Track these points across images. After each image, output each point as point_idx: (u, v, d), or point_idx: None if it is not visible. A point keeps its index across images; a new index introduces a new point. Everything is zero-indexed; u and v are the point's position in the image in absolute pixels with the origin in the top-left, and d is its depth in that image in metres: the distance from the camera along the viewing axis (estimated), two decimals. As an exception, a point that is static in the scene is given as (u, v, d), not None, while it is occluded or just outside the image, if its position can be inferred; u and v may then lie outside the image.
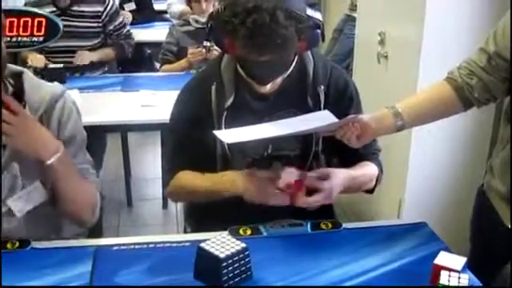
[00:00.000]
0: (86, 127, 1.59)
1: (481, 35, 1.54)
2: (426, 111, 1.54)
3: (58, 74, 2.92)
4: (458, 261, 1.29)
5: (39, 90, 1.46)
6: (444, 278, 1.25)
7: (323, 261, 1.41)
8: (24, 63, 3.07)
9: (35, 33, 2.75)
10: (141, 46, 4.29)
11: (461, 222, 1.90)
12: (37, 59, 3.13)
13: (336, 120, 1.45)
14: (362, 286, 1.33)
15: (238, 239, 1.33)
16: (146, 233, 3.15)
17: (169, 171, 1.70)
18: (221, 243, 1.31)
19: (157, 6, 5.17)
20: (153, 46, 4.43)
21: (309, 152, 1.65)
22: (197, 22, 3.27)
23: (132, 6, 4.84)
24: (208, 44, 3.06)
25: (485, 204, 1.61)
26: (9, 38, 2.62)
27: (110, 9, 3.36)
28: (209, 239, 1.32)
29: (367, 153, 1.66)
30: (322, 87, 1.61)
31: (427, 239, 1.52)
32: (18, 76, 1.45)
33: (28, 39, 2.76)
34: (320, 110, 1.58)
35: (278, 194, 1.48)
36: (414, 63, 2.33)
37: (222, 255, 1.27)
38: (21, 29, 2.70)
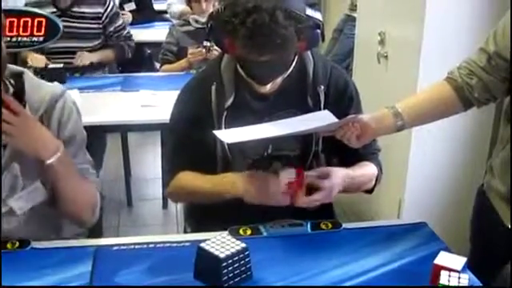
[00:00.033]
0: (85, 127, 1.59)
1: (481, 35, 1.54)
2: (426, 111, 1.54)
3: (58, 74, 2.92)
4: (458, 261, 1.29)
5: (39, 90, 1.46)
6: (444, 278, 1.25)
7: (323, 261, 1.41)
8: (24, 63, 3.07)
9: (35, 33, 2.75)
10: (141, 46, 4.29)
11: (461, 222, 1.90)
12: (37, 59, 3.13)
13: (336, 120, 1.45)
14: (362, 286, 1.33)
15: (238, 239, 1.33)
16: (146, 233, 3.15)
17: (169, 171, 1.70)
18: (221, 243, 1.31)
19: (157, 6, 5.17)
20: (153, 46, 4.43)
21: (309, 152, 1.65)
22: (197, 22, 3.27)
23: (132, 6, 4.84)
24: (208, 44, 3.06)
25: (485, 204, 1.61)
26: (9, 38, 2.62)
27: (111, 10, 3.36)
28: (209, 239, 1.32)
29: (367, 153, 1.66)
30: (322, 87, 1.61)
31: (427, 239, 1.52)
32: (19, 76, 1.46)
33: (28, 39, 2.76)
34: (320, 110, 1.58)
35: (278, 194, 1.48)
36: (413, 63, 2.34)
37: (222, 255, 1.27)
38: (21, 29, 2.70)
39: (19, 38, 2.73)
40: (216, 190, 1.57)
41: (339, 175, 1.52)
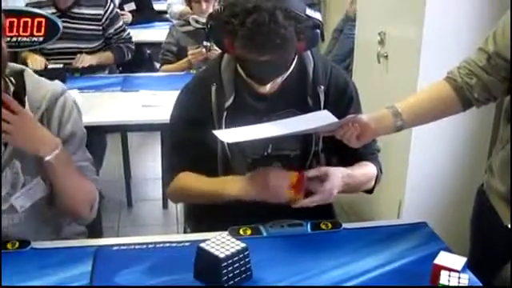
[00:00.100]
0: (85, 127, 1.60)
1: (480, 35, 1.54)
2: (426, 111, 1.54)
3: (58, 75, 2.91)
4: (458, 261, 1.30)
5: (40, 88, 1.48)
6: (444, 278, 1.25)
7: (323, 261, 1.41)
8: (24, 64, 3.07)
9: (35, 33, 2.76)
10: (141, 46, 4.29)
11: (461, 222, 1.90)
12: (36, 61, 3.13)
13: (335, 120, 1.45)
14: (362, 286, 1.33)
15: (238, 239, 1.33)
16: (146, 233, 3.15)
17: (169, 172, 1.70)
18: (221, 243, 1.31)
19: (157, 6, 5.17)
20: (153, 47, 4.44)
21: (309, 152, 1.65)
22: (197, 22, 3.27)
23: (132, 6, 4.85)
24: (208, 44, 3.06)
25: (485, 204, 1.61)
26: (9, 38, 2.63)
27: (110, 12, 3.36)
28: (209, 239, 1.32)
29: (367, 153, 1.66)
30: (322, 87, 1.61)
31: (427, 239, 1.52)
32: (20, 74, 1.48)
33: (28, 39, 2.77)
34: (320, 109, 1.58)
35: (278, 189, 1.47)
36: (414, 63, 2.34)
37: (221, 255, 1.27)
38: (21, 29, 2.71)
39: (19, 38, 2.74)
40: (216, 192, 1.57)
41: (338, 175, 1.52)
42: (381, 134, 1.57)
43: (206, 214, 1.69)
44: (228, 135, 1.50)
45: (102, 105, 2.75)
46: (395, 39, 2.59)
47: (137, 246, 1.48)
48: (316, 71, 1.61)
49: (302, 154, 1.66)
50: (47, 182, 1.48)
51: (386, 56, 2.64)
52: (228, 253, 1.28)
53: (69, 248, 1.48)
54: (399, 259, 1.42)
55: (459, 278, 1.25)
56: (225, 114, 1.59)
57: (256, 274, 1.33)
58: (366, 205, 2.86)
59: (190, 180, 1.64)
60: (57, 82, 1.54)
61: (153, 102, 2.72)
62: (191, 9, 3.40)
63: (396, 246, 1.48)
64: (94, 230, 1.77)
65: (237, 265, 1.29)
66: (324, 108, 1.59)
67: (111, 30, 3.39)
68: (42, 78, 1.52)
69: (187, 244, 1.48)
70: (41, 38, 2.81)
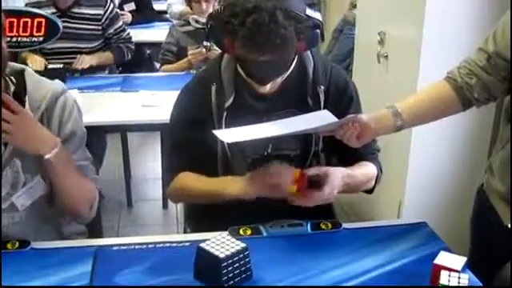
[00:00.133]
0: (86, 127, 1.61)
1: (480, 35, 1.54)
2: (425, 111, 1.54)
3: (58, 75, 2.91)
4: (457, 261, 1.29)
5: (41, 87, 1.49)
6: (444, 277, 1.25)
7: (323, 261, 1.41)
8: (24, 64, 3.07)
9: (35, 33, 2.76)
10: (141, 46, 4.29)
11: (461, 222, 1.90)
12: (36, 62, 3.13)
13: (335, 120, 1.45)
14: (362, 286, 1.33)
15: (238, 239, 1.33)
16: (146, 233, 3.15)
17: (169, 172, 1.70)
18: (221, 243, 1.31)
19: (157, 6, 5.17)
20: (153, 47, 4.44)
21: (309, 152, 1.65)
22: (197, 22, 3.27)
23: (132, 6, 4.85)
24: (208, 44, 3.06)
25: (485, 204, 1.61)
26: (9, 39, 2.63)
27: (110, 12, 3.36)
28: (209, 239, 1.32)
29: (366, 153, 1.66)
30: (322, 87, 1.61)
31: (427, 239, 1.52)
32: (20, 74, 1.48)
33: (28, 39, 2.77)
34: (320, 109, 1.58)
35: (278, 185, 1.46)
36: (414, 63, 2.34)
37: (221, 255, 1.27)
38: (20, 29, 2.71)
39: (19, 39, 2.74)
40: (216, 192, 1.57)
41: (338, 175, 1.52)
42: (381, 133, 1.57)
43: (205, 214, 1.69)
44: (228, 135, 1.50)
45: (102, 105, 2.75)
46: (395, 39, 2.59)
47: (137, 246, 1.48)
48: (316, 71, 1.61)
49: (302, 153, 1.66)
50: (47, 180, 1.49)
51: (386, 56, 2.64)
52: (228, 253, 1.28)
53: (69, 248, 1.48)
54: (399, 259, 1.42)
55: (459, 277, 1.25)
56: (225, 113, 1.59)
57: (256, 274, 1.33)
58: (366, 205, 2.86)
59: (189, 180, 1.64)
60: (57, 81, 1.55)
61: (153, 102, 2.72)
62: (191, 9, 3.40)
63: (396, 246, 1.48)
64: (94, 230, 1.77)
65: (237, 265, 1.29)
66: (324, 108, 1.59)
67: (111, 30, 3.40)
68: (43, 78, 1.53)
69: (187, 244, 1.48)
70: (41, 38, 2.81)
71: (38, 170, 1.47)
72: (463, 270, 1.28)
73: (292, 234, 1.54)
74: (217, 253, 1.28)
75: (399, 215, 2.55)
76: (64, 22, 3.02)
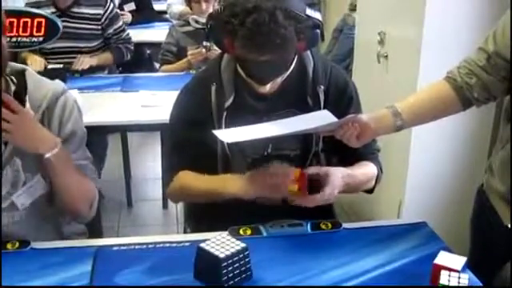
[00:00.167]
0: (86, 127, 1.61)
1: (480, 35, 1.54)
2: (425, 111, 1.54)
3: (58, 75, 2.91)
4: (457, 261, 1.29)
5: (41, 87, 1.49)
6: (444, 277, 1.25)
7: (323, 261, 1.41)
8: (24, 64, 3.07)
9: (35, 33, 2.76)
10: (140, 46, 4.29)
11: (461, 222, 1.90)
12: (36, 61, 3.13)
13: (335, 119, 1.45)
14: (362, 286, 1.33)
15: (238, 239, 1.33)
16: (146, 233, 3.16)
17: (169, 172, 1.70)
18: (221, 243, 1.31)
19: (156, 7, 5.18)
20: (152, 47, 4.44)
21: (309, 151, 1.65)
22: (196, 22, 3.27)
23: (132, 6, 4.85)
24: (208, 44, 3.06)
25: (484, 203, 1.61)
26: (8, 39, 2.62)
27: (110, 12, 3.36)
28: (209, 239, 1.32)
29: (367, 152, 1.66)
30: (322, 87, 1.61)
31: (427, 239, 1.52)
32: (21, 74, 1.49)
33: (28, 39, 2.76)
34: (320, 109, 1.58)
35: (277, 185, 1.46)
36: (413, 63, 2.34)
37: (221, 255, 1.27)
38: (20, 29, 2.70)
39: (19, 39, 2.74)
40: (215, 190, 1.57)
41: (338, 175, 1.52)
42: (381, 133, 1.57)
43: (206, 214, 1.69)
44: (228, 135, 1.50)
45: (102, 105, 2.75)
46: (395, 39, 2.59)
47: (137, 246, 1.48)
48: (316, 71, 1.61)
49: (302, 153, 1.66)
50: (47, 179, 1.50)
51: (386, 56, 2.64)
52: (228, 253, 1.28)
53: (69, 248, 1.48)
54: (399, 259, 1.42)
55: (459, 277, 1.25)
56: (225, 113, 1.59)
57: (256, 274, 1.33)
58: (366, 205, 2.86)
59: (189, 179, 1.64)
60: (58, 81, 1.56)
61: (152, 102, 2.72)
62: (191, 9, 3.40)
63: (396, 246, 1.48)
64: (94, 230, 1.77)
65: (237, 265, 1.29)
66: (324, 108, 1.59)
67: (110, 30, 3.40)
68: (43, 78, 1.54)
69: (187, 244, 1.48)
70: (41, 39, 2.81)
71: (38, 169, 1.47)
72: (463, 270, 1.28)
73: (292, 233, 1.54)
74: (217, 253, 1.28)
75: (399, 215, 2.55)
76: (64, 21, 3.02)
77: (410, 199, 2.51)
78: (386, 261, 1.41)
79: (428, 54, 2.29)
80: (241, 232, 1.53)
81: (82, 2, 3.27)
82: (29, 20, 2.73)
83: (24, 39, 2.76)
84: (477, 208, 1.68)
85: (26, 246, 1.45)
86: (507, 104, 1.53)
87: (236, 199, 1.51)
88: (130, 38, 3.53)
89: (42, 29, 2.77)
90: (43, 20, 2.77)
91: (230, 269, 1.28)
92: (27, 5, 3.24)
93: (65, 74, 3.04)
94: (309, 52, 1.61)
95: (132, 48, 3.53)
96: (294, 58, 1.54)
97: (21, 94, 1.46)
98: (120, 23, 3.45)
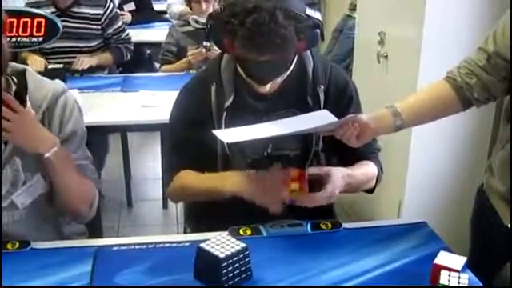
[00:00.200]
0: (86, 127, 1.61)
1: (480, 35, 1.54)
2: (425, 111, 1.54)
3: (58, 75, 2.91)
4: (457, 260, 1.29)
5: (42, 87, 1.50)
6: (444, 277, 1.25)
7: (323, 261, 1.41)
8: (24, 64, 3.07)
9: (35, 33, 2.76)
10: (140, 46, 4.29)
11: (461, 222, 1.90)
12: (36, 62, 3.13)
13: (335, 119, 1.45)
14: (362, 286, 1.32)
15: (238, 239, 1.33)
16: (146, 233, 3.16)
17: (169, 172, 1.70)
18: (221, 243, 1.31)
19: (156, 7, 5.18)
20: (152, 47, 4.44)
21: (309, 152, 1.65)
22: (196, 22, 3.27)
23: (132, 6, 4.85)
24: (208, 44, 3.06)
25: (484, 203, 1.61)
26: (8, 39, 2.62)
27: (110, 12, 3.37)
28: (209, 239, 1.32)
29: (367, 152, 1.66)
30: (322, 87, 1.61)
31: (427, 239, 1.52)
32: (22, 74, 1.49)
33: (27, 39, 2.76)
34: (320, 109, 1.58)
35: (277, 195, 1.47)
36: (413, 63, 2.34)
37: (221, 255, 1.27)
38: (20, 29, 2.70)
39: (19, 39, 2.74)
40: (215, 188, 1.57)
41: (339, 175, 1.52)
42: (380, 133, 1.57)
43: (205, 214, 1.69)
44: (228, 135, 1.50)
45: (102, 105, 2.74)
46: (395, 39, 2.59)
47: (137, 246, 1.48)
48: (316, 71, 1.61)
49: (302, 153, 1.66)
50: (47, 178, 1.50)
51: (386, 56, 2.64)
52: (228, 253, 1.28)
53: (69, 248, 1.48)
54: (399, 259, 1.42)
55: (459, 277, 1.25)
56: (224, 113, 1.59)
57: (256, 274, 1.33)
58: (366, 205, 2.86)
59: (189, 178, 1.64)
60: (58, 81, 1.56)
61: (152, 102, 2.72)
62: (191, 9, 3.40)
63: (396, 246, 1.48)
64: (94, 230, 1.77)
65: (237, 265, 1.29)
66: (324, 108, 1.59)
67: (110, 30, 3.40)
68: (44, 78, 1.54)
69: (187, 244, 1.48)
70: (40, 39, 2.81)
71: (38, 168, 1.48)
72: (463, 270, 1.28)
73: (292, 233, 1.54)
74: (217, 253, 1.28)
75: (399, 215, 2.55)
76: (64, 21, 3.02)
77: (410, 199, 2.51)
78: (386, 261, 1.41)
79: (428, 54, 2.29)
80: (241, 232, 1.53)
81: (82, 2, 3.28)
82: (29, 20, 2.73)
83: (24, 39, 2.76)
84: (477, 208, 1.68)
85: (26, 246, 1.45)
86: (507, 104, 1.53)
87: (236, 199, 1.51)
88: (129, 38, 3.53)
89: (42, 29, 2.77)
90: (43, 20, 2.77)
91: (230, 269, 1.28)
92: (27, 5, 3.24)
93: (64, 74, 3.04)
94: (309, 52, 1.61)
95: (132, 48, 3.54)
96: (293, 58, 1.54)
97: (21, 94, 1.46)
98: (120, 23, 3.46)
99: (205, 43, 3.08)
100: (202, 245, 1.31)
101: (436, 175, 2.49)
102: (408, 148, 2.42)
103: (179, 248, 1.47)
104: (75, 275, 1.34)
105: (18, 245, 1.46)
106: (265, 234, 1.53)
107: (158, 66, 3.58)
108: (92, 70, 3.32)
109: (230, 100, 1.60)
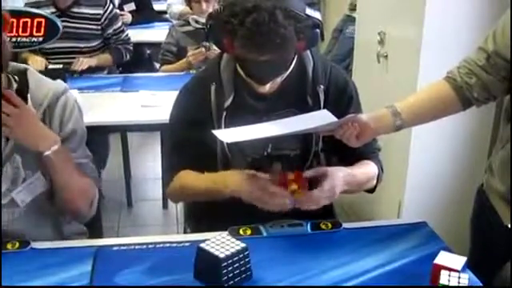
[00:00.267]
0: (86, 128, 1.61)
1: (480, 35, 1.54)
2: (425, 110, 1.54)
3: (58, 75, 2.91)
4: (457, 260, 1.29)
5: (43, 86, 1.51)
6: (444, 277, 1.25)
7: (323, 261, 1.41)
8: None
9: (35, 33, 2.75)
10: (140, 46, 4.29)
11: (461, 222, 1.90)
12: (37, 62, 3.14)
13: (335, 119, 1.45)
14: (362, 286, 1.32)
15: (238, 239, 1.33)
16: (146, 233, 3.16)
17: (169, 172, 1.70)
18: (221, 243, 1.31)
19: (156, 7, 5.18)
20: (152, 47, 4.44)
21: (309, 151, 1.65)
22: (196, 22, 3.27)
23: (132, 6, 4.85)
24: (207, 44, 3.06)
25: (484, 203, 1.61)
26: (8, 39, 2.62)
27: (110, 12, 3.37)
28: (209, 239, 1.32)
29: (367, 152, 1.66)
30: (322, 87, 1.61)
31: (427, 239, 1.52)
32: (23, 73, 1.50)
33: (27, 39, 2.76)
34: (320, 109, 1.58)
35: (277, 196, 1.46)
36: (413, 63, 2.34)
37: (221, 255, 1.27)
38: (20, 29, 2.70)
39: (19, 39, 2.74)
40: (215, 187, 1.56)
41: (339, 174, 1.52)
42: (380, 133, 1.57)
43: (205, 214, 1.69)
44: (227, 135, 1.50)
45: (102, 105, 2.75)
46: (395, 39, 2.59)
47: (137, 246, 1.48)
48: (315, 71, 1.61)
49: (302, 153, 1.66)
50: (47, 177, 1.50)
51: (386, 56, 2.64)
52: (228, 253, 1.28)
53: (69, 248, 1.48)
54: (399, 259, 1.42)
55: (459, 277, 1.25)
56: (224, 113, 1.59)
57: (256, 274, 1.33)
58: (366, 205, 2.86)
59: (189, 177, 1.64)
60: (59, 81, 1.57)
61: (152, 102, 2.72)
62: (191, 9, 3.40)
63: (396, 246, 1.48)
64: (94, 230, 1.77)
65: (237, 265, 1.29)
66: (324, 107, 1.59)
67: (110, 31, 3.40)
68: (45, 77, 1.55)
69: (187, 244, 1.48)
70: (40, 39, 2.81)
71: (39, 166, 1.48)
72: (463, 270, 1.28)
73: (292, 234, 1.54)
74: (217, 253, 1.28)
75: (399, 215, 2.55)
76: (63, 21, 3.02)
77: (410, 199, 2.51)
78: (386, 261, 1.41)
79: (428, 54, 2.29)
80: (241, 232, 1.53)
81: (82, 2, 3.28)
82: (29, 20, 2.73)
83: (24, 39, 2.76)
84: (477, 208, 1.68)
85: (26, 246, 1.45)
86: (507, 104, 1.53)
87: (236, 199, 1.51)
88: (129, 39, 3.54)
89: (42, 29, 2.77)
90: (43, 20, 2.77)
91: (230, 269, 1.28)
92: (27, 5, 3.25)
93: (64, 74, 3.04)
94: (308, 52, 1.61)
95: (131, 48, 3.54)
96: (293, 58, 1.54)
97: (23, 92, 1.46)
98: (119, 24, 3.46)
99: (205, 43, 3.08)
100: (202, 245, 1.31)
101: (436, 175, 2.49)
102: (408, 148, 2.42)
103: (179, 248, 1.47)
104: (75, 275, 1.34)
105: (17, 245, 1.46)
106: (265, 233, 1.53)
107: (157, 66, 3.58)
108: (91, 70, 3.32)
109: (230, 100, 1.60)
